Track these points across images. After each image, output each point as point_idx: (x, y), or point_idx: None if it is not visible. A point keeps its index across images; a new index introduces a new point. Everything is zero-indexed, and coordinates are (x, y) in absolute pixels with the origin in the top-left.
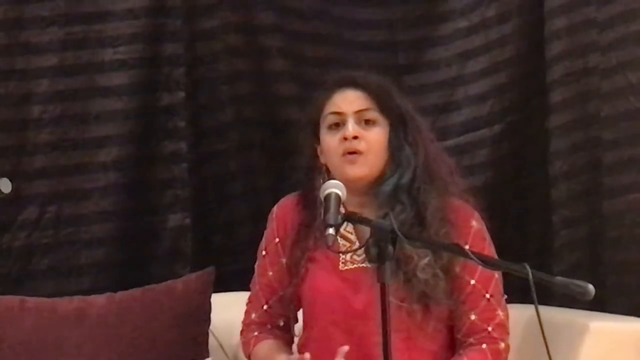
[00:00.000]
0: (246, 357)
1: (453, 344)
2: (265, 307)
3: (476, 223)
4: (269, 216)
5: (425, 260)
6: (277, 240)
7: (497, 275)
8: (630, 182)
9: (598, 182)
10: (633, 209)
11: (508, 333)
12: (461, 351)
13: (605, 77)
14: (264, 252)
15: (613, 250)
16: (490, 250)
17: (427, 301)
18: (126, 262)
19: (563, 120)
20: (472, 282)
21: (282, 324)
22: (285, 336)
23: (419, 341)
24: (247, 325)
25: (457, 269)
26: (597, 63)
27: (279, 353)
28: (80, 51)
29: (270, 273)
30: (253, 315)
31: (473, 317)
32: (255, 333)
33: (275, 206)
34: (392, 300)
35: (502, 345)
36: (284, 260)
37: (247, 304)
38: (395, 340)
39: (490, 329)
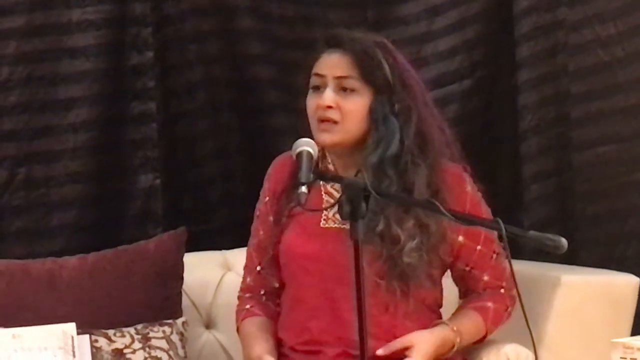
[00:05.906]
0: (236, 327)
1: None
2: (258, 268)
3: (470, 188)
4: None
5: (413, 244)
6: (267, 199)
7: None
8: (598, 135)
9: (567, 136)
10: (601, 161)
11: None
12: (481, 291)
13: (573, 30)
14: (257, 213)
15: (582, 203)
16: (487, 213)
17: (407, 281)
18: (97, 223)
19: (531, 74)
20: (479, 247)
21: (276, 285)
22: (275, 309)
23: (399, 318)
24: (242, 291)
25: (460, 238)
26: (565, 16)
27: (260, 341)
28: (48, 12)
29: (261, 232)
30: (248, 279)
31: (486, 277)
32: (247, 306)
33: (271, 165)
34: (371, 276)
35: (514, 292)
36: (271, 218)
37: (243, 268)
38: (375, 314)
39: (504, 283)
